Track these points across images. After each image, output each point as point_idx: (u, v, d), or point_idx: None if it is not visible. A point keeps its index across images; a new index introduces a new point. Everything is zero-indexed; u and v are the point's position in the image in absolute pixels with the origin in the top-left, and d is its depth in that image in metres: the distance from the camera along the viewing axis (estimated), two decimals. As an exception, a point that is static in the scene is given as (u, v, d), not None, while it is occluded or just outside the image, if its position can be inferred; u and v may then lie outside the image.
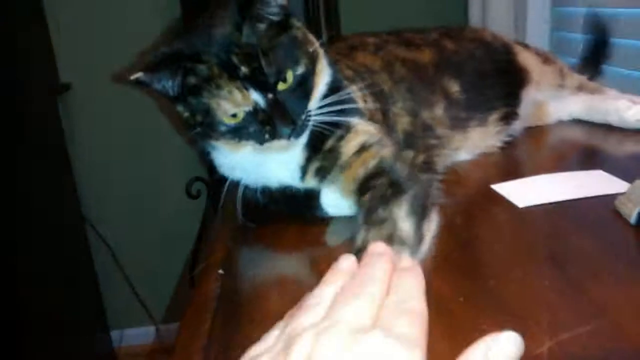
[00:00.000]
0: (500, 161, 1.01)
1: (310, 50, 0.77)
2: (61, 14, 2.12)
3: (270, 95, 0.72)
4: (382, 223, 0.66)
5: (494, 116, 1.04)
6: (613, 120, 1.08)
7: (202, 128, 0.75)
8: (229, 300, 0.64)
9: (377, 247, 0.50)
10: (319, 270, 0.70)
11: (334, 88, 0.80)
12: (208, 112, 0.73)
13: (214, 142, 0.77)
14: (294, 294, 0.63)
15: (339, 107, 0.77)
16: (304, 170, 0.80)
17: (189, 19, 1.98)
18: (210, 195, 2.16)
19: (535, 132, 1.13)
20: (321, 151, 0.79)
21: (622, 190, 0.75)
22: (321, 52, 0.80)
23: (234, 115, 0.72)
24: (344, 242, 0.78)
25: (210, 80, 0.71)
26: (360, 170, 0.76)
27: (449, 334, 0.50)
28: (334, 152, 0.79)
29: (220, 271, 0.69)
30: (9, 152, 1.79)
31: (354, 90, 0.85)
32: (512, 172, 0.97)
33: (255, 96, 0.71)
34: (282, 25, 0.75)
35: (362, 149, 0.78)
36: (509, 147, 1.05)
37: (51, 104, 2.14)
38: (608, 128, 1.09)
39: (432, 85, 1.00)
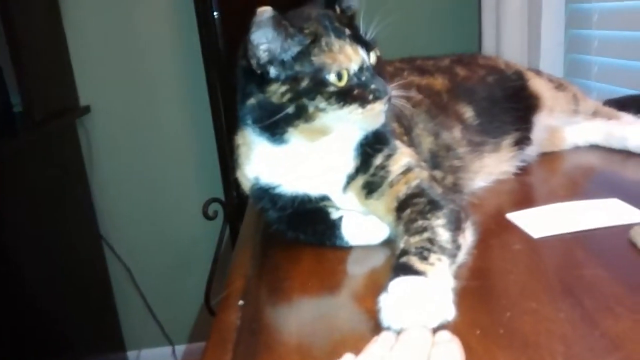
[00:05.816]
0: (515, 188, 1.02)
1: None
2: (82, 35, 2.17)
3: (372, 54, 0.79)
4: (422, 231, 0.70)
5: (507, 141, 1.06)
6: (631, 145, 1.09)
7: (296, 107, 0.76)
8: (249, 330, 0.65)
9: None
10: (338, 299, 0.71)
11: None
12: (316, 73, 0.75)
13: (292, 129, 0.78)
14: (313, 325, 0.66)
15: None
16: (350, 179, 0.82)
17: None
18: (227, 216, 2.18)
19: (550, 158, 1.14)
20: (371, 166, 0.82)
21: (638, 220, 0.75)
22: None
23: (340, 78, 0.75)
24: (365, 271, 0.80)
25: (319, 41, 0.76)
26: (402, 189, 0.80)
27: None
28: (384, 170, 0.82)
29: (241, 302, 0.70)
30: (29, 171, 1.83)
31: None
32: (527, 199, 0.98)
33: (362, 53, 0.78)
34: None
35: (408, 169, 0.82)
36: (524, 173, 1.06)
37: (71, 126, 2.18)
38: (626, 154, 1.09)
39: (447, 110, 1.02)
